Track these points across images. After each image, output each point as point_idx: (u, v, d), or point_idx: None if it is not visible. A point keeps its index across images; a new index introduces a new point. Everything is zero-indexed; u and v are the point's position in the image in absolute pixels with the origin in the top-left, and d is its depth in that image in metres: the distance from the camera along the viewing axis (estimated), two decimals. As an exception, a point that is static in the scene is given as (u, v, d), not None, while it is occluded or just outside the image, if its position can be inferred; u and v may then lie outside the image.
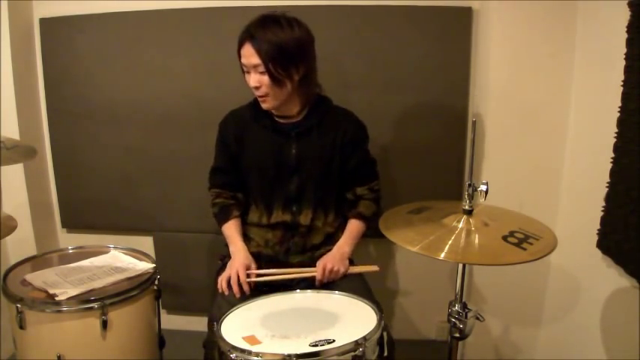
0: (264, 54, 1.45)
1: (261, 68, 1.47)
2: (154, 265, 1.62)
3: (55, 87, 2.17)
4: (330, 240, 1.68)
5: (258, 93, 1.53)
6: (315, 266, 1.59)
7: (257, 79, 1.49)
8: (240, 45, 1.50)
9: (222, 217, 1.68)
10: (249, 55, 1.47)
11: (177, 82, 2.10)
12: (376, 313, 1.29)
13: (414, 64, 2.00)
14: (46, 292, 1.44)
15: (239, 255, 1.58)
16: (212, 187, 1.74)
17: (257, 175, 1.65)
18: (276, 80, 1.48)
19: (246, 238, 1.68)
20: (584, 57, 1.81)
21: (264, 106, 1.56)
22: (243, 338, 1.19)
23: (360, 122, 1.69)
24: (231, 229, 1.65)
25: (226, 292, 1.51)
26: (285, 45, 1.46)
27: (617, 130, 1.49)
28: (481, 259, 1.24)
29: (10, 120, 2.04)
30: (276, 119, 1.63)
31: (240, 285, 1.50)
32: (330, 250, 1.64)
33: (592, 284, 1.71)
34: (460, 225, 1.29)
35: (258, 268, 1.63)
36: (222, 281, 1.52)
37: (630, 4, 1.43)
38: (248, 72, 1.52)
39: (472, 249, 1.22)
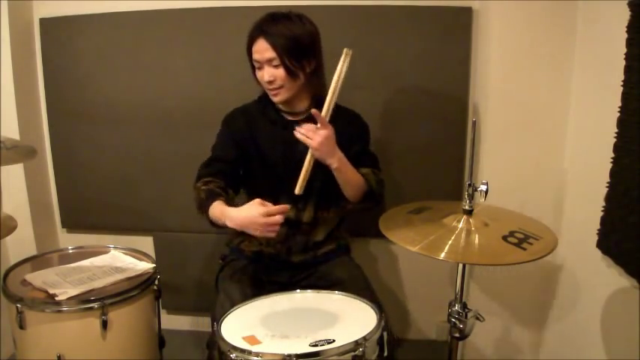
0: (279, 47, 1.47)
1: (276, 62, 1.49)
2: (154, 265, 1.62)
3: (54, 87, 2.17)
4: (332, 237, 1.69)
5: (271, 86, 1.54)
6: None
7: (271, 73, 1.51)
8: (252, 41, 1.51)
9: (210, 199, 1.47)
10: (263, 50, 1.49)
11: (177, 82, 2.10)
12: (376, 313, 1.29)
13: (414, 64, 2.00)
14: (46, 292, 1.44)
15: (243, 209, 1.39)
16: (202, 176, 1.56)
17: (265, 171, 1.64)
18: (291, 73, 1.50)
19: (247, 236, 1.67)
20: (584, 57, 1.81)
21: (276, 99, 1.57)
22: (243, 338, 1.19)
23: (365, 124, 1.70)
24: (221, 205, 1.45)
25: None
26: (299, 38, 1.49)
27: (617, 130, 1.49)
28: (481, 259, 1.24)
29: (10, 120, 2.04)
30: (284, 115, 1.64)
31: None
32: (331, 248, 1.65)
33: (592, 284, 1.71)
34: (460, 225, 1.29)
35: (261, 267, 1.63)
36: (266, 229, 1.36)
37: (630, 4, 1.43)
38: (260, 68, 1.53)
39: (472, 249, 1.22)
